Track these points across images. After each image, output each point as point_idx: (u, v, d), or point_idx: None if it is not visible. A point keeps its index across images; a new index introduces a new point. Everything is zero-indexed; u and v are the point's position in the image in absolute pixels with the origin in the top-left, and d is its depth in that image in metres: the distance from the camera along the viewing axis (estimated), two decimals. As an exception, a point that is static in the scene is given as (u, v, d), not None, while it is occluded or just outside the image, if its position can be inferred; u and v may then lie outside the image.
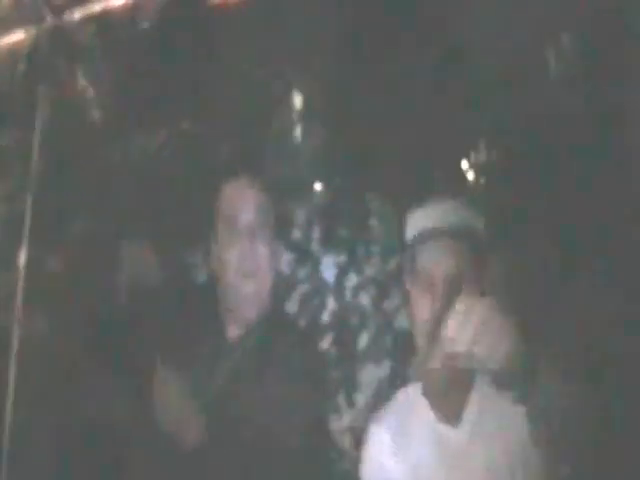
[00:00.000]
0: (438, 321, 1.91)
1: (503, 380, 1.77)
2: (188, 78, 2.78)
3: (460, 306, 1.76)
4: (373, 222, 2.68)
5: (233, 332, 2.20)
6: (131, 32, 2.82)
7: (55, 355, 2.57)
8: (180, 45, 2.82)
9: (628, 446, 2.15)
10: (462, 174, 2.65)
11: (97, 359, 2.35)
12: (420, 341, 2.01)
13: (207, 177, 2.45)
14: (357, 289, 2.63)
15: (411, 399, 2.09)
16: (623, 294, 2.32)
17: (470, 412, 2.01)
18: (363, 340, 2.58)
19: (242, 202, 2.19)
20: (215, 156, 2.65)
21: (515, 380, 1.75)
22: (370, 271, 2.65)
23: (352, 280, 2.65)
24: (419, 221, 2.07)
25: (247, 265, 2.15)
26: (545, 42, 2.73)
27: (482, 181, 2.65)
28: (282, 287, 2.48)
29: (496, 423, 1.97)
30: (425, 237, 2.02)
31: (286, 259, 2.63)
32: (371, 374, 2.48)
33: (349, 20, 2.81)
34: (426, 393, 2.05)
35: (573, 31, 2.72)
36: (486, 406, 2.00)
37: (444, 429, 2.02)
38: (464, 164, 2.69)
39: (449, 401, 2.02)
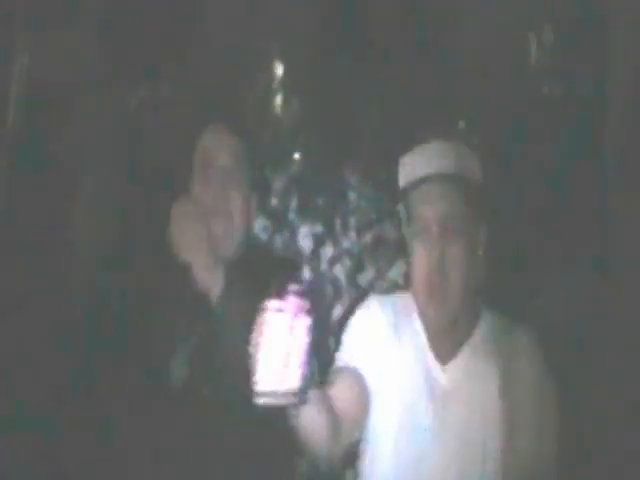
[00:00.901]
0: (437, 264, 1.92)
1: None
2: (169, 40, 2.74)
3: None
4: (351, 194, 2.68)
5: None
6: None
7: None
8: (162, 7, 2.77)
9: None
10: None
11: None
12: (419, 284, 1.99)
13: (187, 128, 2.42)
14: (332, 261, 2.63)
15: (410, 308, 2.08)
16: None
17: (459, 363, 2.02)
18: (337, 311, 2.59)
19: (218, 145, 2.21)
20: (195, 114, 2.61)
21: None
22: (346, 243, 2.65)
23: (328, 251, 2.64)
24: (411, 166, 2.06)
25: (219, 204, 2.15)
26: (528, 29, 2.76)
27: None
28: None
29: (476, 388, 2.00)
30: (417, 183, 2.01)
31: (262, 225, 2.62)
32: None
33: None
34: (425, 324, 2.05)
35: (555, 20, 2.75)
36: (474, 367, 2.01)
37: (433, 362, 2.03)
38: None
39: (445, 340, 2.04)
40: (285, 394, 1.62)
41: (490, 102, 2.69)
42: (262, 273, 2.14)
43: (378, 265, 2.62)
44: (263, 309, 1.62)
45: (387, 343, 2.06)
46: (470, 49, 2.70)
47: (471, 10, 2.71)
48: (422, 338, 2.05)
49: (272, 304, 1.62)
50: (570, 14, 2.71)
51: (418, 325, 2.06)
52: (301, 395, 1.64)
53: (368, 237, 2.65)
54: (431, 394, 2.00)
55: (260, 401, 1.62)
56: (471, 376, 2.01)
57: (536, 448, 1.94)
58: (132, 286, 2.22)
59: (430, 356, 2.03)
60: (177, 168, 2.28)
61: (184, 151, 2.26)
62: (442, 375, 2.02)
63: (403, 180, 2.06)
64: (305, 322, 1.63)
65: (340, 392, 1.96)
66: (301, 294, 1.64)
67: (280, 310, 1.62)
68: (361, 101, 2.71)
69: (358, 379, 2.01)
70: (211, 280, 2.08)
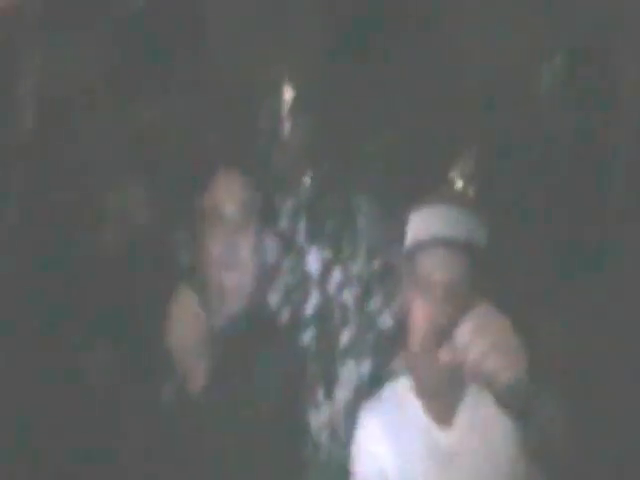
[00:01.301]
0: (438, 326, 1.93)
1: (504, 397, 1.81)
2: (177, 61, 2.75)
3: (477, 317, 1.78)
4: (360, 220, 2.68)
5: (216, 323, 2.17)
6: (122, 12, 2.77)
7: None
8: (171, 28, 2.78)
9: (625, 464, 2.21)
10: (449, 180, 2.68)
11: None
12: (415, 342, 2.01)
13: (194, 167, 2.42)
14: (341, 286, 2.62)
15: (400, 394, 2.10)
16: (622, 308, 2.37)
17: (462, 418, 2.03)
18: (345, 337, 2.58)
19: (227, 195, 2.18)
20: (202, 144, 2.61)
21: (517, 399, 1.78)
22: (355, 269, 2.65)
23: (336, 276, 2.63)
24: (421, 226, 2.06)
25: (229, 258, 2.14)
26: (540, 59, 2.78)
27: (470, 189, 2.68)
28: (265, 278, 2.45)
29: (485, 432, 2.00)
30: (426, 245, 2.01)
31: (271, 247, 2.60)
32: (352, 371, 2.48)
33: (343, 14, 2.82)
34: (420, 392, 2.06)
35: (566, 51, 2.78)
36: (478, 414, 2.02)
37: (435, 430, 2.03)
38: (451, 172, 2.72)
39: (442, 403, 2.04)
40: None
41: (499, 132, 2.70)
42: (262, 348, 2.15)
43: (386, 292, 2.62)
44: None
45: (388, 445, 2.07)
46: (481, 79, 2.72)
47: (483, 41, 2.73)
48: (419, 413, 2.06)
49: None
50: (580, 45, 2.74)
51: (414, 403, 2.07)
52: None
53: (376, 263, 2.65)
54: (435, 461, 2.02)
55: None
56: (475, 428, 2.02)
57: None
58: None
59: (430, 424, 2.04)
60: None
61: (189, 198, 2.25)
62: (445, 439, 2.03)
63: (411, 239, 2.08)
64: None
65: None
66: None
67: None
68: (371, 127, 2.72)
69: None
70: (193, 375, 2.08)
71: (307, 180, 2.72)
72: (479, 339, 1.75)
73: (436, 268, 1.98)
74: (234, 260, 2.13)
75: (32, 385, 2.34)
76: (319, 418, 2.43)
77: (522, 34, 2.73)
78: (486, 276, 2.01)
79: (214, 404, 2.07)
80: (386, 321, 2.53)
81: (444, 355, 1.86)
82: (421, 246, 2.02)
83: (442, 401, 2.04)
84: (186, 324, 2.07)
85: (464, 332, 1.78)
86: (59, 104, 2.65)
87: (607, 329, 2.39)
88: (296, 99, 2.81)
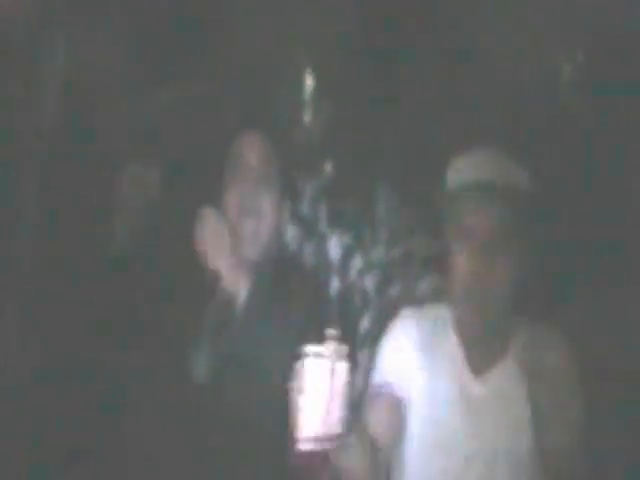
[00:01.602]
0: (477, 275, 1.91)
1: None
2: (201, 41, 2.74)
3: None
4: (380, 207, 2.67)
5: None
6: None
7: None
8: (191, 13, 2.77)
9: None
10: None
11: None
12: (457, 291, 1.98)
13: (218, 132, 2.42)
14: (362, 272, 2.62)
15: (440, 322, 2.06)
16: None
17: (495, 375, 2.01)
18: (365, 323, 2.57)
19: (250, 149, 2.21)
20: (226, 119, 2.61)
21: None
22: (375, 255, 2.64)
23: (357, 262, 2.63)
24: (459, 170, 2.02)
25: (247, 204, 2.14)
26: (560, 56, 2.78)
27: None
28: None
29: (512, 400, 1.98)
30: (467, 188, 1.98)
31: (292, 234, 2.60)
32: (372, 356, 2.47)
33: (365, 4, 2.82)
34: (460, 335, 2.03)
35: (588, 48, 2.77)
36: (511, 379, 1.98)
37: (468, 375, 2.02)
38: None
39: (480, 352, 2.02)
40: (327, 438, 1.63)
41: (520, 122, 2.69)
42: (289, 286, 2.16)
43: (406, 279, 2.61)
44: (302, 355, 1.63)
45: (421, 358, 2.05)
46: (502, 67, 2.72)
47: (501, 39, 2.73)
48: (457, 351, 2.04)
49: (311, 349, 1.63)
50: (603, 37, 2.73)
51: (453, 338, 2.05)
52: (343, 439, 1.65)
53: (397, 250, 2.64)
54: (464, 406, 2.00)
55: (302, 447, 1.63)
56: (503, 389, 2.01)
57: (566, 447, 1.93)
58: (157, 286, 2.23)
59: (465, 369, 2.03)
60: (209, 173, 2.28)
61: (217, 157, 2.26)
62: (475, 387, 2.01)
63: (453, 183, 2.03)
64: (345, 366, 1.64)
65: (378, 418, 1.95)
66: (339, 338, 1.65)
67: (320, 355, 1.62)
68: (394, 113, 2.71)
69: (394, 402, 2.00)
70: (237, 282, 2.08)
71: (328, 166, 2.72)
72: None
73: (475, 213, 1.95)
74: (253, 208, 2.14)
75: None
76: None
77: (540, 34, 2.73)
78: (531, 224, 1.97)
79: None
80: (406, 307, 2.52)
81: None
82: (459, 191, 1.99)
83: (481, 352, 2.02)
84: (221, 239, 2.09)
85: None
86: (82, 89, 2.64)
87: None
88: (317, 84, 2.80)
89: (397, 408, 1.99)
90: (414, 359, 2.05)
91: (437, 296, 2.31)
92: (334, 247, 2.62)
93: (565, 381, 1.95)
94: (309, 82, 2.79)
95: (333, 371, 1.65)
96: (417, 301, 2.55)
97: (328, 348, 1.64)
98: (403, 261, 2.61)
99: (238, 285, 2.11)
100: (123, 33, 2.71)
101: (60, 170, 2.49)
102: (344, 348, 1.66)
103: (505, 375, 2.01)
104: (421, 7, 2.82)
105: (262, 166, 2.21)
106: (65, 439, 2.26)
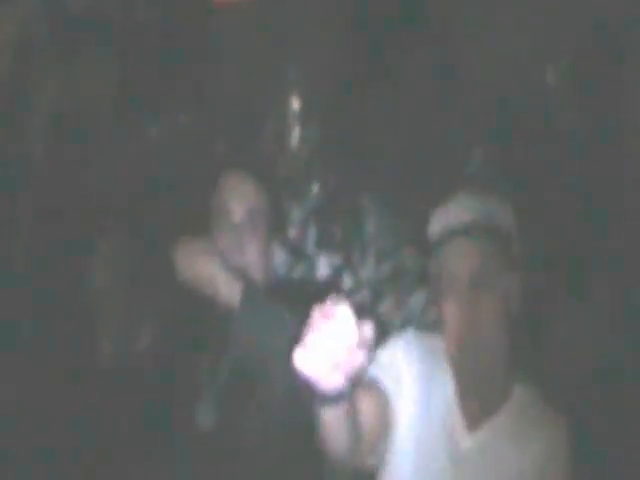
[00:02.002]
0: (469, 319, 1.88)
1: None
2: (186, 73, 2.77)
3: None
4: (369, 225, 2.68)
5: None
6: (130, 23, 2.79)
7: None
8: (180, 40, 2.80)
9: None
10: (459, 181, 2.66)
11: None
12: (450, 342, 1.94)
13: (204, 170, 2.43)
14: (351, 291, 2.62)
15: (436, 355, 1.96)
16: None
17: (488, 430, 1.93)
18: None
19: (235, 197, 2.18)
20: (212, 151, 2.63)
21: None
22: (364, 274, 2.64)
23: (346, 282, 2.64)
24: (443, 217, 1.96)
25: (236, 260, 2.13)
26: (545, 61, 2.77)
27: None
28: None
29: (502, 457, 1.91)
30: (448, 234, 1.91)
31: (281, 259, 2.61)
32: (364, 374, 2.47)
33: (349, 23, 2.83)
34: (459, 384, 1.93)
35: (572, 53, 2.76)
36: (504, 434, 1.92)
37: (460, 427, 1.92)
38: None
39: (476, 403, 1.93)
40: (332, 392, 1.60)
41: (507, 132, 2.69)
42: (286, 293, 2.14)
43: (397, 295, 2.61)
44: (313, 313, 1.59)
45: (416, 389, 1.95)
46: (487, 80, 2.72)
47: (489, 42, 2.73)
48: (453, 399, 1.97)
49: (322, 308, 1.59)
50: (587, 45, 2.72)
51: (450, 384, 2.01)
52: (344, 395, 1.62)
53: (387, 267, 2.64)
54: (449, 456, 1.92)
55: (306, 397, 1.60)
56: (491, 446, 1.95)
57: None
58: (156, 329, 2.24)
59: (458, 420, 1.96)
60: (195, 206, 2.29)
61: (202, 193, 2.26)
62: (465, 440, 1.96)
63: (434, 233, 1.97)
64: (353, 326, 1.59)
65: (365, 405, 1.92)
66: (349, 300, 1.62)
67: (329, 315, 1.58)
68: (378, 131, 2.72)
69: (383, 396, 1.97)
70: (231, 293, 2.06)
71: (315, 187, 2.73)
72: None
73: (460, 257, 1.88)
74: (241, 262, 2.13)
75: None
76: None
77: (527, 35, 2.72)
78: (517, 263, 1.94)
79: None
80: (397, 324, 2.52)
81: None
82: (440, 240, 1.92)
83: (478, 404, 1.93)
84: (197, 253, 2.08)
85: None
86: (71, 120, 2.68)
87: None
88: (304, 107, 2.82)
89: (385, 403, 1.95)
90: (409, 386, 1.98)
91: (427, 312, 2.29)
92: (323, 268, 2.62)
93: (553, 463, 1.91)
94: (295, 105, 2.81)
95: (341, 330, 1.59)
96: (408, 316, 2.56)
97: (339, 308, 1.58)
98: (393, 276, 2.61)
99: (232, 296, 2.08)
100: (108, 65, 2.75)
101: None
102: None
103: (496, 432, 1.95)
104: (406, 27, 2.83)
105: (248, 219, 2.17)
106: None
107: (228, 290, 2.06)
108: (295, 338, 1.55)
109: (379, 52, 2.79)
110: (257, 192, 2.18)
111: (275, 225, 2.25)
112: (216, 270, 2.07)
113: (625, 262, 2.47)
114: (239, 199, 2.16)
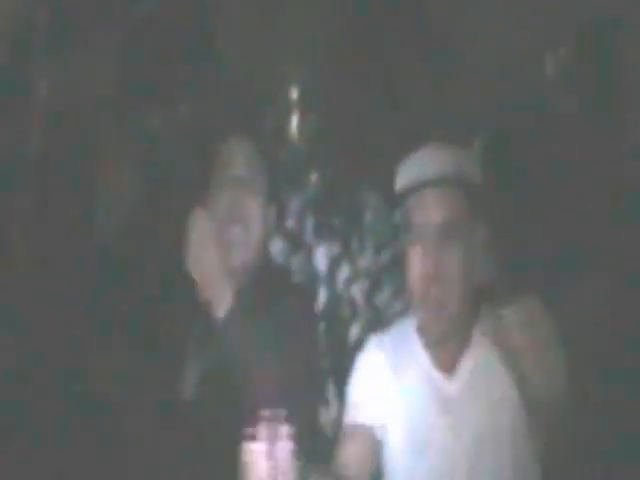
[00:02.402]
0: (432, 270, 1.89)
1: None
2: (186, 63, 2.77)
3: (527, 311, 1.78)
4: (367, 215, 2.67)
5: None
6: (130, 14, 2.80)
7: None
8: (179, 30, 2.81)
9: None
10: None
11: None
12: (414, 292, 1.94)
13: (204, 145, 2.44)
14: (349, 281, 2.62)
15: (406, 334, 2.04)
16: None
17: (465, 367, 1.98)
18: (354, 332, 2.57)
19: (234, 154, 2.20)
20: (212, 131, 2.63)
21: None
22: (363, 263, 2.64)
23: (344, 271, 2.63)
24: (408, 171, 1.98)
25: (234, 210, 2.14)
26: (544, 48, 2.76)
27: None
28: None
29: (488, 383, 1.95)
30: (414, 188, 1.94)
31: (279, 248, 2.61)
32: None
33: (348, 12, 2.83)
34: (424, 338, 2.00)
35: (571, 41, 2.74)
36: (481, 364, 1.96)
37: (438, 376, 1.98)
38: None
39: (446, 350, 1.99)
40: None
41: (505, 117, 2.68)
42: (275, 299, 2.15)
43: (396, 284, 2.60)
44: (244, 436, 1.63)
45: (392, 378, 2.03)
46: (485, 65, 2.71)
47: (487, 28, 2.71)
48: (423, 355, 2.02)
49: (246, 432, 1.62)
50: (585, 30, 2.70)
51: (418, 343, 2.03)
52: None
53: (385, 256, 2.64)
54: (441, 407, 1.98)
55: None
56: (476, 379, 1.98)
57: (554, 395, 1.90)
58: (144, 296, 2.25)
59: (433, 371, 2.00)
60: (196, 184, 2.29)
61: (202, 167, 2.27)
62: (449, 386, 1.99)
63: (400, 185, 1.99)
64: (285, 447, 1.62)
65: (350, 452, 1.97)
66: (277, 419, 1.63)
67: (254, 438, 1.61)
68: (376, 121, 2.71)
69: (368, 434, 2.00)
70: (218, 299, 2.07)
71: (314, 177, 2.73)
72: (525, 331, 1.75)
73: (427, 210, 1.91)
74: (239, 214, 2.14)
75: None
76: (329, 415, 2.43)
77: (526, 23, 2.71)
78: (483, 212, 1.95)
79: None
80: (395, 314, 2.51)
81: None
82: (409, 190, 1.95)
83: (446, 349, 1.98)
84: (208, 248, 2.03)
85: (511, 319, 1.77)
86: (69, 117, 2.69)
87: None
88: (302, 97, 2.81)
89: (370, 444, 2.00)
90: (387, 382, 2.03)
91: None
92: (321, 257, 2.62)
93: (538, 330, 1.90)
94: (293, 94, 2.80)
95: (270, 452, 1.62)
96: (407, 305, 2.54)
97: (262, 429, 1.62)
98: (392, 266, 2.60)
99: (220, 299, 2.09)
100: (107, 55, 2.75)
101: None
102: (283, 428, 1.63)
103: (474, 364, 1.98)
104: (406, 17, 2.83)
105: (248, 173, 2.19)
106: (54, 457, 2.29)
107: (216, 292, 2.06)
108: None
109: (379, 42, 2.79)
110: (255, 152, 2.22)
111: (274, 204, 2.27)
112: (215, 274, 2.07)
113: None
114: (237, 154, 2.19)
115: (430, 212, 1.92)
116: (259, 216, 2.18)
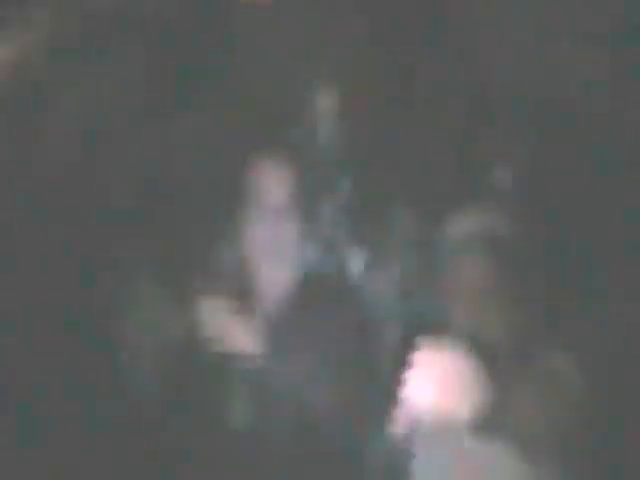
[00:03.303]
0: None
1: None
2: (213, 69, 2.78)
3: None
4: (400, 221, 2.67)
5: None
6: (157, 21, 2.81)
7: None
8: (209, 38, 2.81)
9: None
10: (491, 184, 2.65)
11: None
12: None
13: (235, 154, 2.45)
14: (382, 286, 2.62)
15: None
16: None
17: None
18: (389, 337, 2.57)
19: (271, 180, 2.17)
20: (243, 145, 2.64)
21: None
22: (395, 270, 2.64)
23: (378, 277, 2.63)
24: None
25: (272, 244, 2.12)
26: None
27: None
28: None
29: None
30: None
31: (312, 254, 2.61)
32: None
33: (382, 20, 2.82)
34: None
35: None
36: None
37: None
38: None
39: None
40: None
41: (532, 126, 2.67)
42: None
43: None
44: None
45: None
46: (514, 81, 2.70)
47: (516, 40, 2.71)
48: None
49: None
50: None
51: None
52: None
53: (418, 263, 2.64)
54: None
55: None
56: None
57: None
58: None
59: None
60: (225, 199, 2.30)
61: (233, 183, 2.26)
62: None
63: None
64: None
65: None
66: None
67: None
68: (410, 133, 2.72)
69: None
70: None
71: (347, 183, 2.73)
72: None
73: None
74: (276, 247, 2.11)
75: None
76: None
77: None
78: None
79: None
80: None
81: None
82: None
83: None
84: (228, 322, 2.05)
85: None
86: (94, 134, 2.71)
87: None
88: (337, 103, 2.81)
89: None
90: None
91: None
92: (354, 265, 2.62)
93: None
94: (326, 101, 2.80)
95: None
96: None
97: None
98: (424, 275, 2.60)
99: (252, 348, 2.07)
100: (138, 66, 2.76)
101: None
102: None
103: None
104: (436, 19, 2.82)
105: (283, 201, 2.16)
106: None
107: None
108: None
109: (415, 52, 2.79)
110: (290, 176, 2.18)
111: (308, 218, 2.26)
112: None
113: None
114: (274, 183, 2.16)
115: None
116: (295, 249, 2.15)
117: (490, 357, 2.01)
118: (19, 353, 2.39)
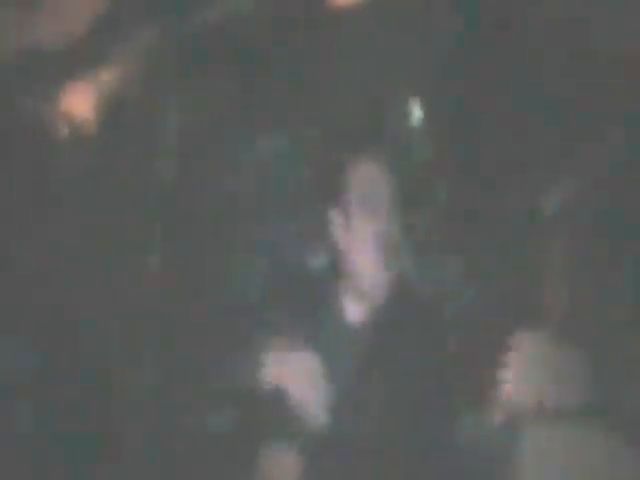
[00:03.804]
0: None
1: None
2: (301, 80, 2.83)
3: None
4: (493, 229, 2.68)
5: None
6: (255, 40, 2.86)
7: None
8: (301, 53, 2.86)
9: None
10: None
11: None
12: None
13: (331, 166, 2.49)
14: (477, 296, 2.63)
15: None
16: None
17: None
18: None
19: (376, 182, 2.20)
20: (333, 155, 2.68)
21: None
22: (489, 279, 2.65)
23: (473, 285, 2.64)
24: None
25: (383, 243, 2.15)
26: None
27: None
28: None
29: None
30: None
31: (407, 263, 2.64)
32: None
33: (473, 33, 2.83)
34: None
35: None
36: None
37: None
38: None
39: None
40: None
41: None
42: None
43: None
44: None
45: None
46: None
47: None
48: None
49: None
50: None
51: None
52: None
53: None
54: None
55: None
56: None
57: None
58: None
59: None
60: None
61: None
62: None
63: None
64: None
65: None
66: None
67: None
68: (495, 149, 2.72)
69: None
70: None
71: (441, 191, 2.74)
72: None
73: None
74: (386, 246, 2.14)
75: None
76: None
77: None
78: None
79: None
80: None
81: None
82: None
83: None
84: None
85: None
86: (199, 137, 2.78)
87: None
88: (423, 117, 2.83)
89: None
90: None
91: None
92: (449, 272, 2.64)
93: None
94: (417, 111, 2.83)
95: None
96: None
97: None
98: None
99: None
100: (234, 83, 2.83)
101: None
102: None
103: None
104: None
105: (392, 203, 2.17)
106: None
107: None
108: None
109: (501, 62, 2.79)
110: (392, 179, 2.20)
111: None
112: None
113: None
114: (380, 185, 2.18)
115: None
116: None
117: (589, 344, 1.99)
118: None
